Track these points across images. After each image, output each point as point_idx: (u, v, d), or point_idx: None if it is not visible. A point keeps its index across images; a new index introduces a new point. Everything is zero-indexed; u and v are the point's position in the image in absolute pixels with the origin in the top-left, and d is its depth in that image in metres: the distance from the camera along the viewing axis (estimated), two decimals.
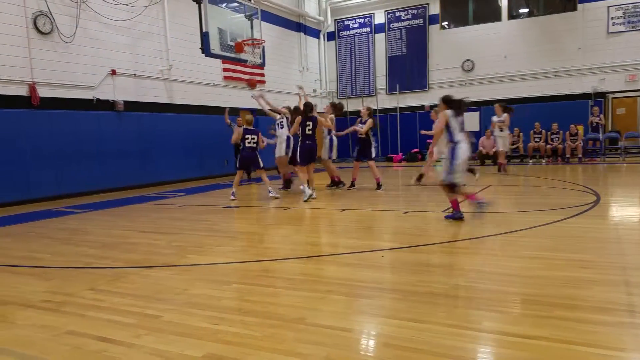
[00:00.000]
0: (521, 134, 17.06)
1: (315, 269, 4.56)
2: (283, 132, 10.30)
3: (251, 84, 10.10)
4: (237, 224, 7.51)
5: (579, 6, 17.22)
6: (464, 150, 6.22)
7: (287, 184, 10.86)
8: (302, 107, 9.51)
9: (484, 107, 18.84)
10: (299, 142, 9.26)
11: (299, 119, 9.18)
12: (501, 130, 12.41)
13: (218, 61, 15.01)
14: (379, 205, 8.56)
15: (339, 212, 7.79)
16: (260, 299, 3.65)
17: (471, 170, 10.20)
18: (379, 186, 9.92)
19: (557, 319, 3.00)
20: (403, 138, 20.00)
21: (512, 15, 18.58)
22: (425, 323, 3.01)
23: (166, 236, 6.32)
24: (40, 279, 4.45)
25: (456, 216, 6.41)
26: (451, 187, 6.26)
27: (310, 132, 9.16)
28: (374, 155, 10.17)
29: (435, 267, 4.41)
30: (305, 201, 8.83)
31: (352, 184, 10.30)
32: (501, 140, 12.55)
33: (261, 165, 9.72)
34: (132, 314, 3.38)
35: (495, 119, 12.47)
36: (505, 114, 12.26)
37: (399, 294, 3.63)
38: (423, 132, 11.13)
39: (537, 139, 16.52)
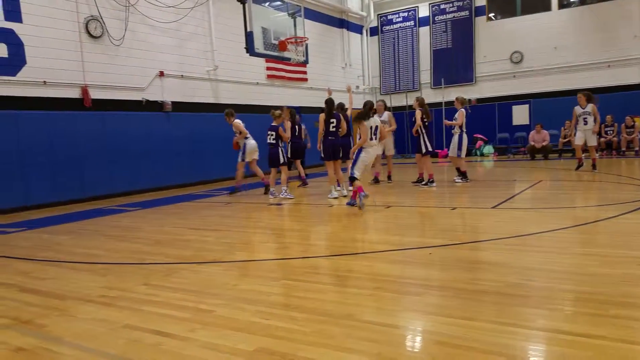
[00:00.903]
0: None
1: (362, 266, 4.54)
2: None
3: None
4: (282, 221, 7.59)
5: None
6: (368, 154, 7.70)
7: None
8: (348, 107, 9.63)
9: (534, 100, 18.32)
10: (322, 139, 9.26)
11: (322, 116, 9.18)
12: (585, 123, 10.96)
13: (261, 60, 15.19)
14: (424, 201, 8.45)
15: (384, 208, 7.74)
16: (308, 295, 3.67)
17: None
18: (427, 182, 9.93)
19: (615, 317, 2.88)
20: (448, 133, 19.64)
21: (563, 5, 17.89)
22: (477, 321, 2.95)
23: (215, 233, 6.46)
24: (97, 275, 4.64)
25: (352, 203, 7.72)
26: (352, 180, 7.59)
27: (334, 129, 9.16)
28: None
29: (485, 264, 4.31)
30: (331, 198, 8.92)
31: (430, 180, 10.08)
32: (582, 134, 11.09)
33: (281, 161, 9.73)
34: (186, 309, 3.47)
35: (579, 110, 11.07)
36: (591, 104, 10.89)
37: (449, 291, 3.58)
38: (446, 122, 10.67)
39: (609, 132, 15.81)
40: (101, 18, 11.02)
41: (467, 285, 3.66)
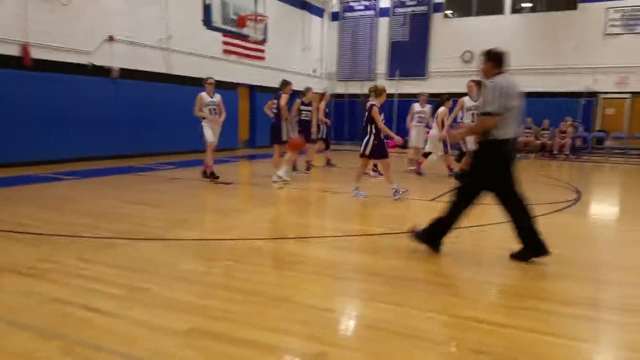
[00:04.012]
0: None
1: (303, 250, 4.62)
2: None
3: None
4: (228, 201, 7.52)
5: (580, 5, 17.24)
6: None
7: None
8: None
9: None
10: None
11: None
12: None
13: (218, 33, 14.86)
14: (369, 190, 8.61)
15: (330, 194, 7.84)
16: (248, 276, 3.71)
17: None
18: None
19: (527, 309, 3.15)
20: (400, 125, 19.95)
21: (515, 9, 18.53)
22: (406, 307, 3.11)
23: (156, 209, 6.34)
24: (28, 246, 4.46)
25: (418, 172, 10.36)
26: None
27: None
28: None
29: (420, 253, 4.47)
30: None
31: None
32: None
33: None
34: (119, 285, 3.42)
35: (468, 102, 9.51)
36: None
37: (383, 278, 3.72)
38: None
39: (527, 134, 16.64)
40: None
41: (400, 273, 3.81)
